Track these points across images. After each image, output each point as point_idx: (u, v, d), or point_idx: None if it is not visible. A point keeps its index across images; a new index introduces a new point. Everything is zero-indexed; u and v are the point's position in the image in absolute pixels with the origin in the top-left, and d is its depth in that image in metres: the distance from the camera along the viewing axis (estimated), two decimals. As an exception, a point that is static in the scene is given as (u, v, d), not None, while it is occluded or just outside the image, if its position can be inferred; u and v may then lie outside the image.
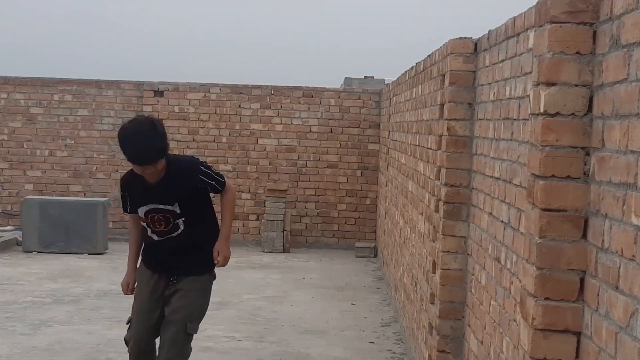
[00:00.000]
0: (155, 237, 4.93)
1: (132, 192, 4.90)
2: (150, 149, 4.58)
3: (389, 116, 10.75)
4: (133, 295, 5.07)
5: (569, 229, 2.56)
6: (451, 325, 4.91)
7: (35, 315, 8.08)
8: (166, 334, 4.91)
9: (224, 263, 4.97)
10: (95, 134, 13.31)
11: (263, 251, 12.52)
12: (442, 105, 5.23)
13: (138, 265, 5.11)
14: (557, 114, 2.57)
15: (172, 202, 4.80)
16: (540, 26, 2.70)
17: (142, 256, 5.11)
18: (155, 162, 4.63)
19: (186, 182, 4.82)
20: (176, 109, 13.13)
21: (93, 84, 13.37)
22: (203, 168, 4.89)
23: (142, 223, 4.95)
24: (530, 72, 3.05)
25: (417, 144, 6.90)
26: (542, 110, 2.61)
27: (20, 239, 12.02)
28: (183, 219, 4.85)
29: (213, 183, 4.93)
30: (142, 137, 4.57)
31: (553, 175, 2.58)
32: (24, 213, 11.81)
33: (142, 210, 4.86)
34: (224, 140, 13.12)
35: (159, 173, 4.74)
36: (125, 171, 5.00)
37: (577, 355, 2.58)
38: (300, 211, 13.04)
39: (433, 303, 5.23)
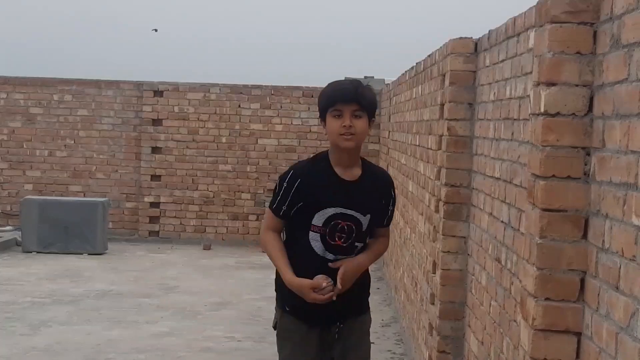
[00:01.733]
0: (325, 256, 3.73)
1: (310, 186, 3.72)
2: (368, 89, 3.75)
3: (389, 116, 10.75)
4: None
5: (570, 229, 2.55)
6: (451, 325, 4.91)
7: (35, 315, 8.07)
8: None
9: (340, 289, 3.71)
10: (95, 134, 13.30)
11: (263, 251, 12.53)
12: (442, 105, 5.22)
13: (280, 317, 4.05)
14: (557, 114, 2.57)
15: (365, 212, 3.75)
16: (541, 26, 2.69)
17: (286, 301, 3.95)
18: (367, 109, 3.67)
19: (382, 191, 3.84)
20: (176, 109, 13.13)
21: (93, 84, 13.37)
22: (394, 188, 3.94)
23: (310, 237, 3.74)
24: (531, 72, 3.04)
25: (417, 144, 6.89)
26: (542, 110, 2.60)
27: (19, 239, 12.02)
28: (362, 244, 3.80)
29: (392, 212, 3.92)
30: (359, 81, 3.83)
31: (553, 176, 2.58)
32: (24, 213, 11.80)
33: (323, 215, 3.70)
34: (224, 140, 13.12)
35: (356, 160, 3.77)
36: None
37: (577, 356, 2.57)
38: (300, 211, 13.03)
39: (433, 303, 5.23)
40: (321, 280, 3.66)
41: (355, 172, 3.76)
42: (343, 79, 3.83)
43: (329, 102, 3.66)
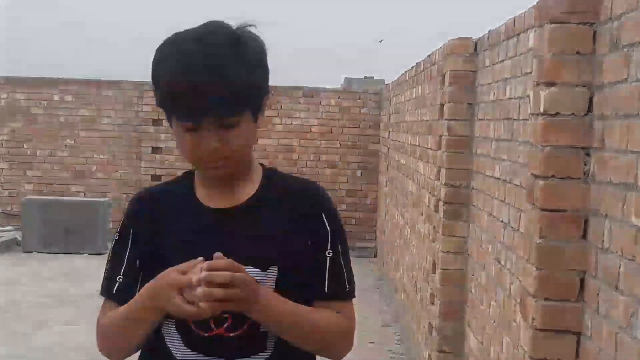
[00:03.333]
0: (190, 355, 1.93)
1: (155, 226, 2.00)
2: (240, 75, 1.84)
3: (389, 116, 10.75)
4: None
5: (569, 229, 2.56)
6: (451, 325, 4.91)
7: (35, 315, 8.08)
8: None
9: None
10: (95, 134, 13.31)
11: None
12: (442, 105, 5.23)
13: None
14: (557, 114, 2.57)
15: (265, 263, 1.92)
16: (540, 26, 2.70)
17: None
18: (247, 105, 1.89)
19: (303, 221, 1.97)
20: (176, 109, 13.13)
21: (93, 84, 13.38)
22: (335, 213, 2.03)
23: (162, 328, 1.95)
24: (530, 72, 3.05)
25: (417, 144, 6.90)
26: (542, 110, 2.60)
27: (20, 239, 12.03)
28: None
29: (341, 264, 1.99)
30: (224, 51, 1.84)
31: (553, 176, 2.58)
32: (24, 213, 11.81)
33: None
34: (224, 140, 13.12)
35: (243, 172, 2.00)
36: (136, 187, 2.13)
37: (577, 356, 2.57)
38: (300, 211, 13.03)
39: (433, 303, 5.23)
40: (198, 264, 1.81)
41: (242, 193, 1.97)
42: (197, 28, 1.90)
43: (169, 105, 1.88)
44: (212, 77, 1.79)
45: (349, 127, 13.04)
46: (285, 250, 1.92)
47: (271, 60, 2.03)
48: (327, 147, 13.05)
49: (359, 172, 13.04)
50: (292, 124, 13.07)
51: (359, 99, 13.13)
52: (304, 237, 1.95)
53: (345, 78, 16.59)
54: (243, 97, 1.85)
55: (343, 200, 13.05)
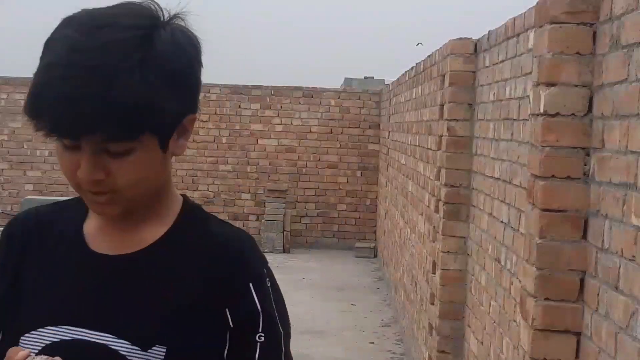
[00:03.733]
0: None
1: (21, 271, 1.45)
2: (136, 88, 1.27)
3: (389, 116, 10.75)
4: None
5: (569, 230, 2.56)
6: (451, 325, 4.92)
7: (35, 315, 8.07)
8: None
9: None
10: (95, 134, 13.32)
11: (263, 252, 12.52)
12: (442, 105, 5.23)
13: None
14: (557, 114, 2.57)
15: (147, 339, 1.35)
16: (540, 26, 2.70)
17: None
18: (135, 136, 1.30)
19: (218, 286, 1.39)
20: (176, 109, 13.12)
21: (93, 84, 13.39)
22: (267, 280, 1.46)
23: None
24: (530, 73, 3.05)
25: (417, 144, 6.90)
26: (542, 110, 2.61)
27: (20, 239, 12.03)
28: None
29: (280, 352, 1.42)
30: (124, 51, 1.28)
31: (553, 176, 2.58)
32: (24, 213, 11.81)
33: (29, 345, 1.36)
34: (224, 140, 13.12)
35: (150, 208, 1.43)
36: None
37: (577, 356, 2.58)
38: (300, 211, 13.04)
39: (433, 303, 5.23)
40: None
41: (145, 235, 1.44)
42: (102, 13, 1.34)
43: (39, 109, 1.30)
44: (96, 85, 1.25)
45: (349, 127, 13.04)
46: (183, 325, 1.37)
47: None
48: (327, 147, 13.05)
49: (358, 172, 13.04)
50: (292, 124, 13.07)
51: (359, 99, 13.13)
52: (218, 311, 1.38)
53: (345, 78, 16.61)
54: (139, 118, 1.28)
55: (343, 201, 13.06)
